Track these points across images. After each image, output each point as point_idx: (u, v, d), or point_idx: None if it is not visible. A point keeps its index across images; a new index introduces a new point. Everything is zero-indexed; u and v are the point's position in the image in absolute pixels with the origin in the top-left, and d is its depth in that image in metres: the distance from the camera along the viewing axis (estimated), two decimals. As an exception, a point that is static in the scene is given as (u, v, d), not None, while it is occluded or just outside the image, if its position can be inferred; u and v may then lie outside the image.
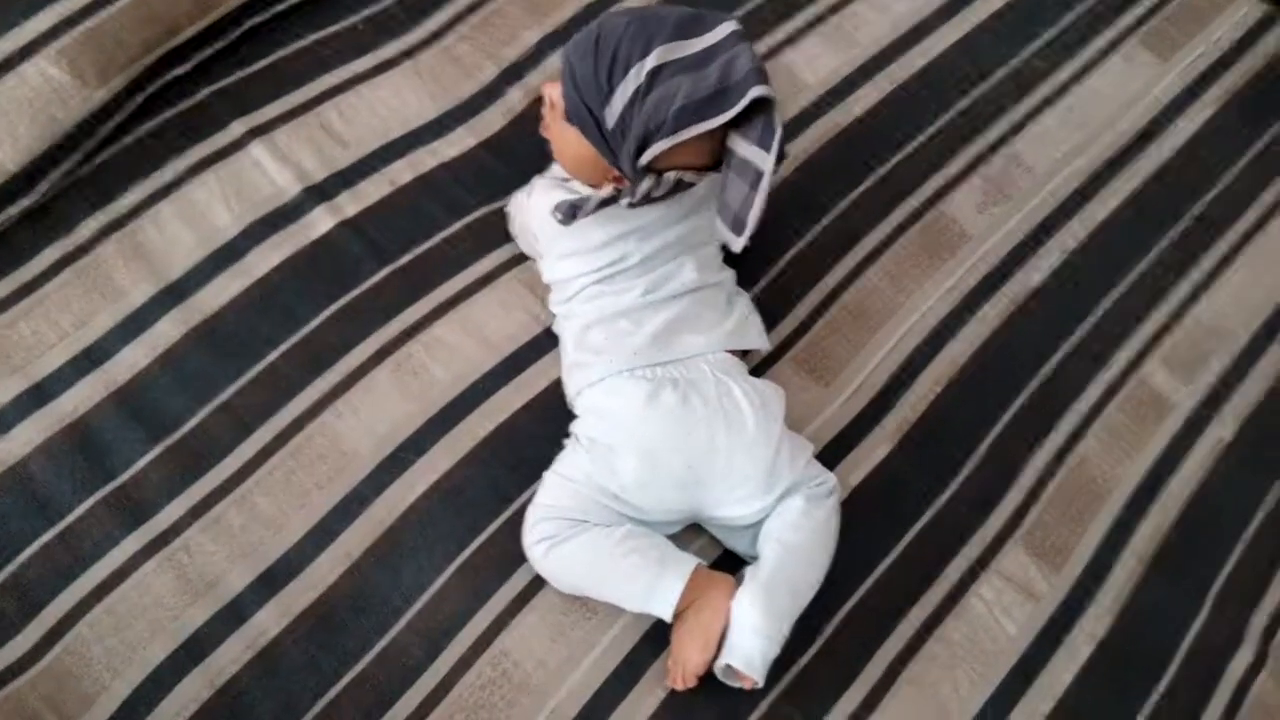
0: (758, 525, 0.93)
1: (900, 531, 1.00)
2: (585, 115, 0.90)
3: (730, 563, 0.95)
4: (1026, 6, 1.34)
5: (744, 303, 1.02)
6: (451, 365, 1.02)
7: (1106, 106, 1.29)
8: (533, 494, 0.94)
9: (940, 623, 0.96)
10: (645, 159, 0.88)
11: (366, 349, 1.01)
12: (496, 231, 1.09)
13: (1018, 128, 1.26)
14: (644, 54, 0.86)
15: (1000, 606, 0.97)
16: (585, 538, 0.89)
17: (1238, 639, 1.00)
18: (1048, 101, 1.28)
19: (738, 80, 0.85)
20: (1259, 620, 1.01)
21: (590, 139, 0.92)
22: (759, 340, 1.01)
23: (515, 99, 1.17)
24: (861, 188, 1.18)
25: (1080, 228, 1.20)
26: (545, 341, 1.04)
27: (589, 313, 0.98)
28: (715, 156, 0.91)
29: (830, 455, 1.01)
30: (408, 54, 1.18)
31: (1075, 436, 1.08)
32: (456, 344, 1.03)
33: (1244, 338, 1.17)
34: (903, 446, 1.04)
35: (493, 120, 1.15)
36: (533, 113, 1.15)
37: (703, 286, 0.99)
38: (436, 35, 1.19)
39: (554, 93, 0.97)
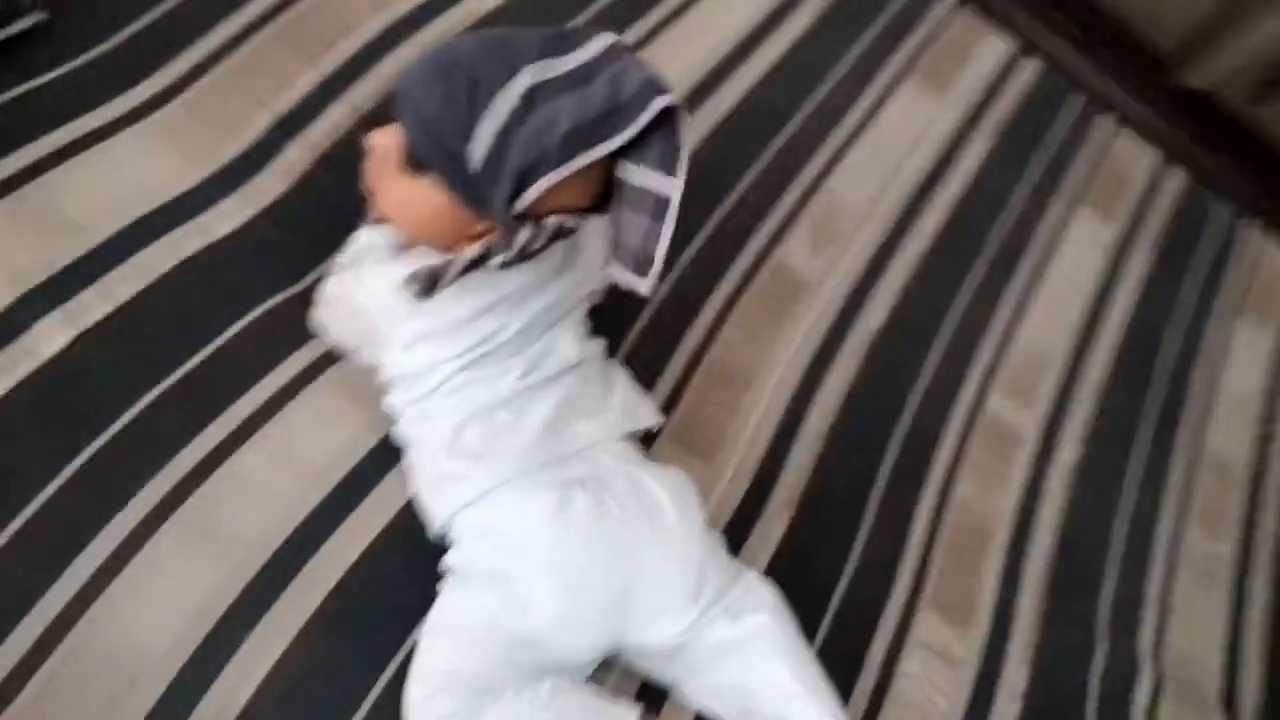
0: (681, 643, 0.79)
1: (819, 616, 0.90)
2: (441, 158, 0.73)
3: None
4: (819, 41, 1.31)
5: (621, 375, 0.88)
6: (262, 511, 0.78)
7: (902, 140, 1.29)
8: (409, 662, 0.74)
9: (879, 713, 0.87)
10: (525, 201, 0.71)
11: (137, 509, 0.75)
12: (295, 325, 0.87)
13: (830, 166, 1.22)
14: (511, 75, 0.70)
15: (927, 680, 0.91)
16: (503, 708, 0.70)
17: (1134, 667, 1.00)
18: (854, 136, 1.25)
19: (632, 94, 0.70)
20: (1145, 640, 1.03)
21: (450, 186, 0.74)
22: (651, 416, 0.87)
23: (295, 157, 0.94)
24: (701, 238, 1.08)
25: (904, 265, 1.18)
26: (384, 455, 0.84)
27: (457, 409, 0.79)
28: (598, 193, 0.77)
29: (732, 538, 0.90)
30: (151, 106, 0.92)
31: (949, 480, 1.05)
32: (264, 480, 0.79)
33: (1060, 360, 1.20)
34: (800, 517, 0.95)
35: (270, 185, 0.92)
36: (318, 173, 0.94)
37: (582, 360, 0.84)
38: (185, 81, 0.94)
39: (385, 140, 0.78)
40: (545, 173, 0.70)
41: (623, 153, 0.72)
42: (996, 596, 0.99)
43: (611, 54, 0.73)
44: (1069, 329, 1.23)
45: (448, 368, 0.79)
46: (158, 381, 0.80)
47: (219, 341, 0.83)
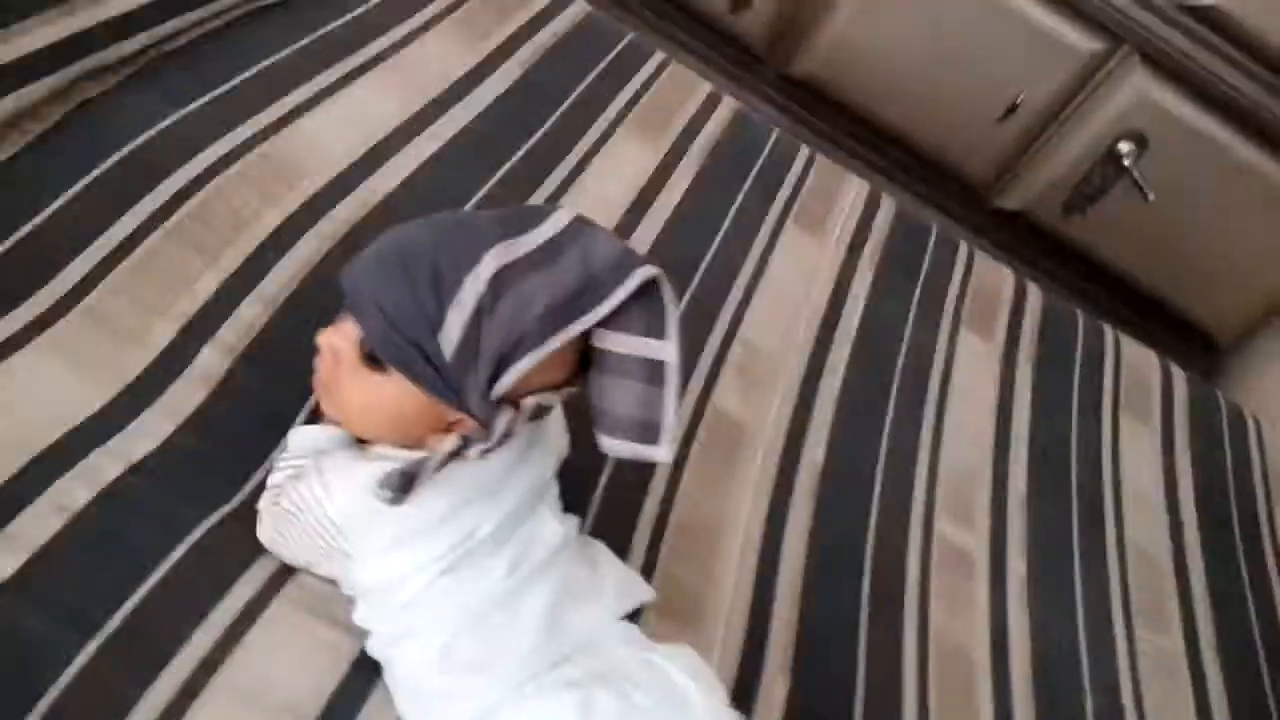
0: None
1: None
2: (407, 353, 0.67)
3: None
4: (703, 197, 1.35)
5: (602, 550, 0.83)
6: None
7: (796, 283, 1.33)
8: None
9: None
10: (504, 386, 0.67)
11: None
12: (239, 545, 0.77)
13: (740, 314, 1.24)
14: (475, 259, 0.66)
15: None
16: None
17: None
18: (754, 282, 1.28)
19: (607, 265, 0.67)
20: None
21: (420, 381, 0.68)
22: (645, 591, 0.82)
23: (212, 361, 0.86)
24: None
25: (828, 401, 1.20)
26: (363, 674, 0.74)
27: (443, 618, 0.72)
28: (574, 366, 0.73)
29: (738, 708, 0.84)
30: (40, 325, 0.82)
31: (923, 613, 1.03)
32: (237, 726, 0.69)
33: (986, 477, 1.23)
34: (797, 676, 0.91)
35: (187, 394, 0.83)
36: (239, 375, 0.86)
37: (566, 541, 0.78)
38: (76, 295, 0.85)
39: (337, 339, 0.72)
40: (524, 354, 0.66)
41: (602, 323, 0.69)
42: (999, 733, 0.97)
43: (575, 227, 0.71)
44: (985, 446, 1.27)
45: (427, 573, 0.72)
46: (90, 636, 0.69)
47: (154, 579, 0.73)
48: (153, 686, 0.68)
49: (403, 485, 0.66)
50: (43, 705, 0.65)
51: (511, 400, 0.69)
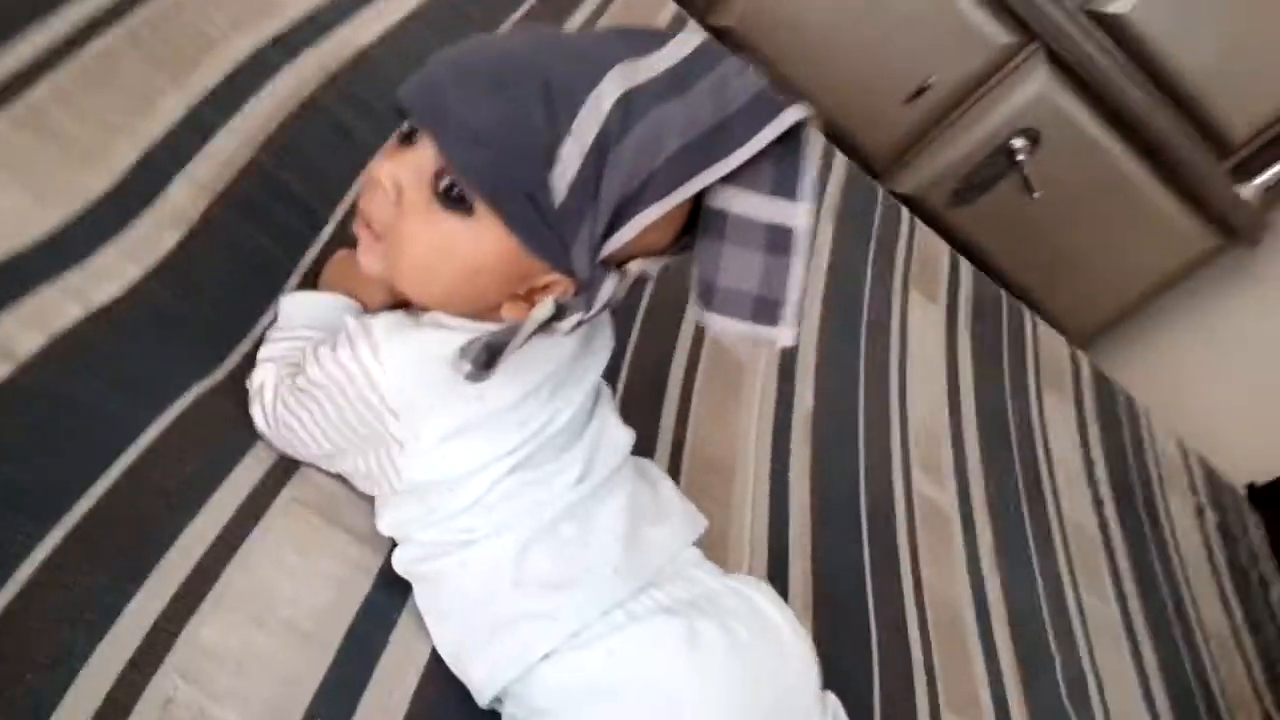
0: None
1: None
2: (504, 189, 0.53)
3: None
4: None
5: (653, 466, 0.71)
6: (249, 702, 0.52)
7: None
8: None
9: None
10: (619, 241, 0.54)
11: None
12: (227, 428, 0.61)
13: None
14: (594, 78, 0.52)
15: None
16: None
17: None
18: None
19: (744, 104, 0.53)
20: (1100, 713, 1.03)
21: (517, 226, 0.53)
22: (700, 519, 0.70)
23: (182, 198, 0.68)
24: (640, 318, 0.95)
25: (808, 344, 1.13)
26: (384, 603, 0.60)
27: (511, 525, 0.59)
28: (680, 231, 0.59)
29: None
30: None
31: (915, 566, 0.99)
32: (242, 651, 0.53)
33: (946, 436, 1.21)
34: (819, 623, 0.84)
35: (155, 235, 0.65)
36: (217, 219, 0.69)
37: (628, 449, 0.67)
38: (11, 91, 0.64)
39: (405, 172, 0.56)
40: (651, 201, 0.53)
41: (725, 176, 0.56)
42: (990, 692, 0.94)
43: (705, 52, 0.56)
44: (942, 405, 1.25)
45: (493, 470, 0.59)
46: (47, 525, 0.51)
47: (126, 459, 0.56)
48: (136, 596, 0.52)
49: (487, 359, 0.53)
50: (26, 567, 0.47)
51: (616, 263, 0.57)
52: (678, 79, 0.54)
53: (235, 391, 0.62)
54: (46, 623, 0.48)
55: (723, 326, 0.58)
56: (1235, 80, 2.08)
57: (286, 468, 0.62)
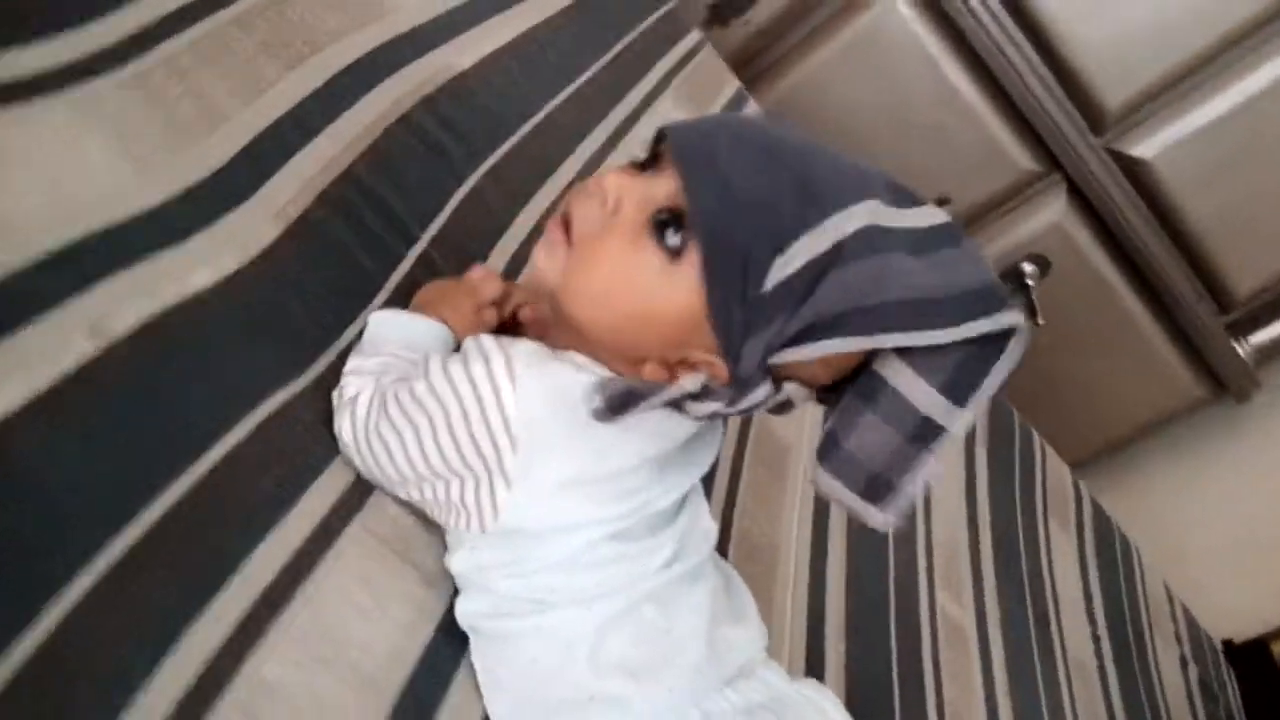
0: None
1: None
2: (725, 250, 0.51)
3: None
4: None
5: (729, 567, 0.68)
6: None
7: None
8: None
9: None
10: (796, 355, 0.52)
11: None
12: (306, 440, 0.57)
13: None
14: (854, 197, 0.51)
15: None
16: None
17: None
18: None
19: (969, 288, 0.51)
20: None
21: (716, 290, 0.52)
22: (764, 628, 0.66)
23: (285, 194, 0.64)
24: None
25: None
26: (445, 653, 0.56)
27: (598, 595, 0.55)
28: (839, 378, 0.57)
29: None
30: (78, 73, 0.57)
31: (938, 684, 0.96)
32: (303, 693, 0.48)
33: (965, 556, 1.19)
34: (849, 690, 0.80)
35: (255, 227, 0.61)
36: (318, 220, 0.65)
37: (714, 542, 0.63)
38: (120, 54, 0.60)
39: (630, 189, 0.54)
40: (843, 335, 0.51)
41: (903, 349, 0.53)
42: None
43: (950, 230, 0.55)
44: (961, 522, 1.23)
45: (595, 532, 0.55)
46: (118, 527, 0.46)
47: (202, 467, 0.51)
48: (199, 619, 0.46)
49: (621, 404, 0.50)
50: (46, 621, 0.42)
51: (773, 375, 0.54)
52: (919, 239, 0.53)
53: (316, 402, 0.58)
54: (106, 638, 0.43)
55: (828, 486, 0.55)
56: (1245, 238, 2.13)
57: (362, 492, 0.57)
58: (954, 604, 1.08)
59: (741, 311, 0.51)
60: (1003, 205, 2.28)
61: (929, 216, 0.53)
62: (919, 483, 0.54)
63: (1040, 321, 2.26)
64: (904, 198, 0.53)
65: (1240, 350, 2.20)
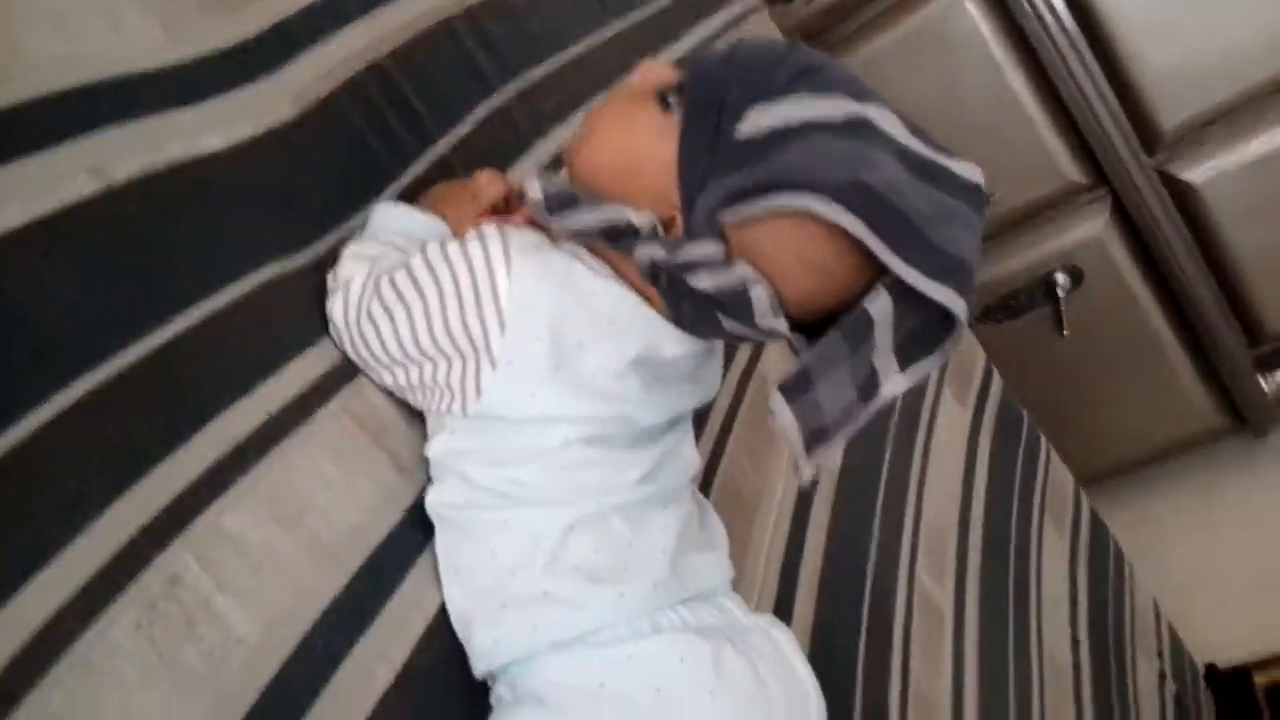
0: None
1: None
2: (704, 99, 0.53)
3: None
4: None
5: (706, 503, 0.68)
6: (261, 599, 0.48)
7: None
8: None
9: None
10: (744, 213, 0.51)
11: (70, 570, 0.42)
12: (297, 315, 0.57)
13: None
14: (862, 95, 0.52)
15: None
16: None
17: None
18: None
19: (949, 250, 0.50)
20: None
21: (688, 131, 0.53)
22: (730, 564, 0.66)
23: (306, 77, 0.64)
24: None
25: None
26: (408, 539, 0.56)
27: (567, 498, 0.55)
28: (813, 315, 0.55)
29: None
30: None
31: (906, 655, 0.96)
32: (263, 550, 0.49)
33: (953, 537, 1.18)
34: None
35: (273, 102, 0.62)
36: (339, 107, 0.65)
37: (695, 477, 0.63)
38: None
39: (657, 69, 0.57)
40: (796, 195, 0.50)
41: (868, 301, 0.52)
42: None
43: (969, 189, 0.53)
44: (954, 505, 1.22)
45: (572, 430, 0.55)
46: (92, 363, 0.47)
47: (190, 315, 0.51)
48: (165, 460, 0.47)
49: (561, 202, 0.53)
50: (17, 430, 0.43)
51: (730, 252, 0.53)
52: (930, 173, 0.52)
53: (313, 281, 0.58)
54: (69, 462, 0.44)
55: (786, 425, 0.53)
56: (1284, 274, 2.09)
57: (345, 374, 0.58)
58: (934, 582, 1.07)
59: (708, 155, 0.52)
60: (1044, 213, 2.25)
61: (960, 166, 0.53)
62: (844, 440, 0.54)
63: (1066, 333, 2.23)
64: (931, 143, 0.53)
65: (1265, 385, 2.16)
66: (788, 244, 0.52)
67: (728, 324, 0.54)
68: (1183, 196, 2.08)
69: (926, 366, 0.53)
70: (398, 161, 0.67)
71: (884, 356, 0.52)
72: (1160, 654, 1.52)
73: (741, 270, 0.52)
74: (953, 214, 0.51)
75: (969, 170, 0.53)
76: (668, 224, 0.54)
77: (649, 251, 0.52)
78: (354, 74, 0.67)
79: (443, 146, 0.72)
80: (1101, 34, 1.92)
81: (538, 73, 0.86)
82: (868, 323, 0.51)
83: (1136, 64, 1.93)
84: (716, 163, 0.51)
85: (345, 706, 0.48)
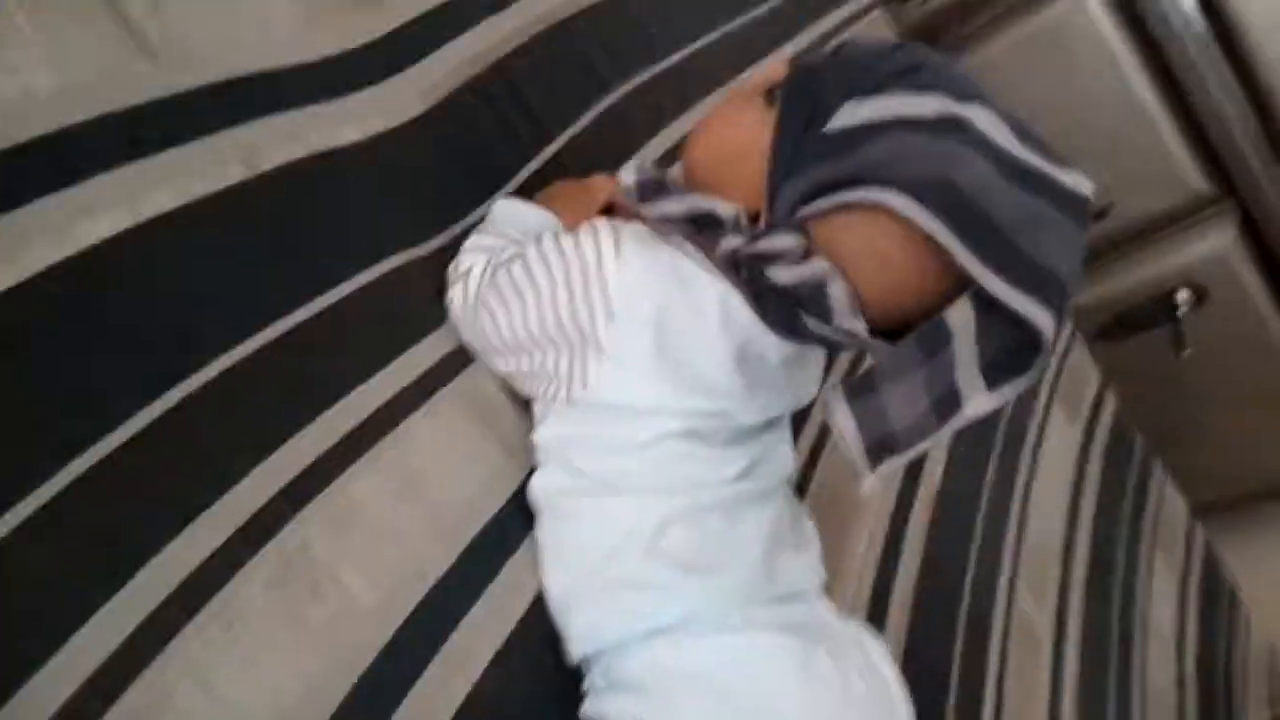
0: None
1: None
2: (805, 91, 0.54)
3: None
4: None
5: (802, 506, 0.68)
6: (382, 565, 0.51)
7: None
8: None
9: None
10: (827, 203, 0.51)
11: (206, 533, 0.45)
12: (424, 303, 0.60)
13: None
14: (960, 96, 0.51)
15: None
16: None
17: None
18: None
19: (1046, 266, 0.48)
20: None
21: (780, 123, 0.54)
22: (823, 568, 0.66)
23: (439, 72, 0.67)
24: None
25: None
26: (513, 523, 0.58)
27: (664, 486, 0.56)
28: (897, 319, 0.53)
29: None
30: None
31: (1001, 679, 0.94)
32: (383, 520, 0.52)
33: (1057, 557, 1.15)
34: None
35: (409, 96, 0.65)
36: (467, 104, 0.68)
37: (791, 472, 0.64)
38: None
39: (772, 68, 0.58)
40: (884, 194, 0.49)
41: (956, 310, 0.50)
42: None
43: (1073, 200, 0.50)
44: (1059, 527, 1.19)
45: (673, 423, 0.56)
46: (237, 339, 0.50)
47: (323, 302, 0.54)
48: (304, 430, 0.50)
49: (651, 188, 0.54)
50: (159, 404, 0.46)
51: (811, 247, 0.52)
52: (1028, 179, 0.50)
53: (436, 271, 0.61)
54: (214, 428, 0.47)
55: (844, 427, 0.52)
56: None
57: (463, 361, 0.60)
58: (1035, 606, 1.05)
59: (796, 145, 0.52)
60: (1168, 226, 2.17)
61: (1069, 177, 0.51)
62: (912, 453, 0.51)
63: (1186, 353, 2.15)
64: (1038, 145, 0.51)
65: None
66: (866, 240, 0.51)
67: (809, 322, 0.53)
68: (1321, 212, 1.98)
69: (1016, 387, 0.50)
70: (518, 160, 0.70)
71: (968, 372, 0.49)
72: (1273, 702, 1.45)
73: (819, 265, 0.52)
74: (1049, 223, 0.49)
75: (1076, 180, 0.51)
76: (755, 216, 0.55)
77: (730, 242, 0.52)
78: (481, 72, 0.70)
79: (559, 143, 0.73)
80: (1235, 38, 1.84)
81: (652, 71, 0.88)
82: (944, 331, 0.49)
83: (1272, 70, 1.85)
84: (804, 155, 0.52)
85: (449, 678, 0.51)
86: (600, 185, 0.67)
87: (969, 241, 0.48)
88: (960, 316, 0.49)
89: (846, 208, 0.51)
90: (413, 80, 0.65)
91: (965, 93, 0.52)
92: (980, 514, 1.05)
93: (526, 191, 0.69)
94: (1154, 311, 2.17)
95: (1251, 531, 2.14)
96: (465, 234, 0.63)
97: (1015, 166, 0.50)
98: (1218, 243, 2.03)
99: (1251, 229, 2.03)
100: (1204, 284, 2.10)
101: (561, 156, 0.74)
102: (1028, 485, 1.17)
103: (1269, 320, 2.08)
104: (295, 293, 0.52)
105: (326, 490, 0.49)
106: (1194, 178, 2.01)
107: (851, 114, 0.51)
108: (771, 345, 0.57)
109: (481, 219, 0.65)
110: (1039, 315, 0.47)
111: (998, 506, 1.09)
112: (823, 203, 0.51)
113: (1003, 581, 1.02)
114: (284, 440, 0.49)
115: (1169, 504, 1.45)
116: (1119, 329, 2.22)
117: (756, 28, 1.06)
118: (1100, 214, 2.20)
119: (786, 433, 0.64)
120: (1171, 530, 1.43)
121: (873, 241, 0.51)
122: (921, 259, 0.50)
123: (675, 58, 0.91)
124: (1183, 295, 2.13)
